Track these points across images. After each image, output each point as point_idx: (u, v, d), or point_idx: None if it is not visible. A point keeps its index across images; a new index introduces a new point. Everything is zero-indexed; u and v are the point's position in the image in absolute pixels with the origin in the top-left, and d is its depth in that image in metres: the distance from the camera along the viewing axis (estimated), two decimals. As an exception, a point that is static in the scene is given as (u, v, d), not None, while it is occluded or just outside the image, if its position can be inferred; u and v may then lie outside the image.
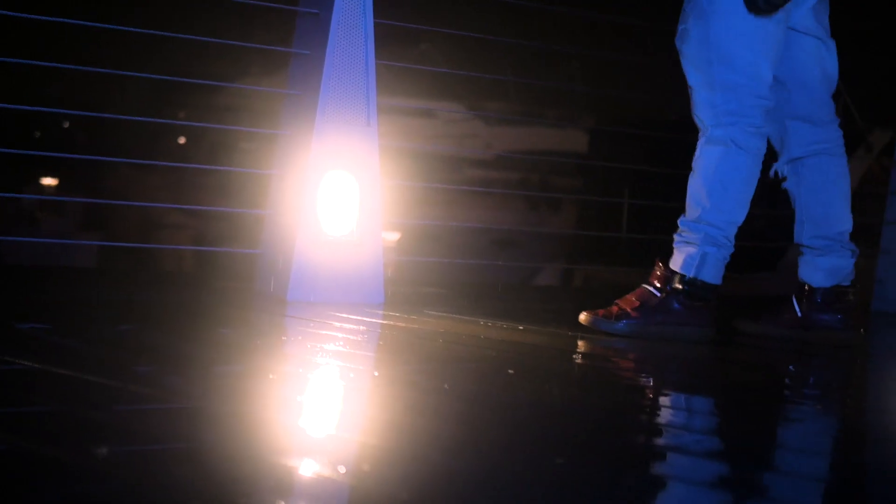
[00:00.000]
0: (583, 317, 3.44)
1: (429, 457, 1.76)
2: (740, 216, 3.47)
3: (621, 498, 1.62)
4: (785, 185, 3.69)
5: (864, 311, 4.94)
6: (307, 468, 1.61)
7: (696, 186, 3.45)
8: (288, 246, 3.76)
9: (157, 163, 6.72)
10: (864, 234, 5.15)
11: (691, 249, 3.44)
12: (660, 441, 2.07)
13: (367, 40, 3.75)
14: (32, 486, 1.45)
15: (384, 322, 3.45)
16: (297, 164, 3.79)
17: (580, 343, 3.29)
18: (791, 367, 3.39)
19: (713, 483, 1.77)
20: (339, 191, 3.77)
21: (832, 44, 3.62)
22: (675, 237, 3.49)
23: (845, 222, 3.66)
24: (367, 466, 1.67)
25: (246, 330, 3.24)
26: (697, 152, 3.46)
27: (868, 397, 2.89)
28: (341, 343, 2.97)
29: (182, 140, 10.84)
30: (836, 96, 3.67)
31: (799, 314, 3.66)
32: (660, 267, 3.47)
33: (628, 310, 3.42)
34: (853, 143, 8.37)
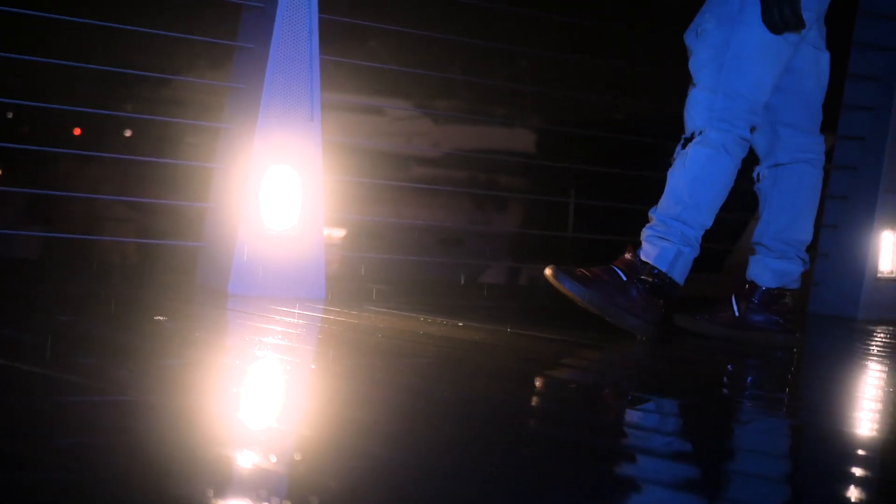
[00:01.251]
0: (548, 270, 3.42)
1: (367, 449, 1.77)
2: (711, 220, 3.52)
3: (556, 491, 1.63)
4: (758, 185, 3.74)
5: (801, 314, 5.00)
6: (244, 459, 1.62)
7: (680, 183, 3.47)
8: (230, 239, 3.75)
9: (97, 154, 6.67)
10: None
11: (667, 244, 3.46)
12: (599, 438, 2.09)
13: (311, 35, 3.76)
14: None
15: (324, 316, 3.46)
16: (239, 158, 3.79)
17: (519, 340, 3.31)
18: (730, 367, 3.43)
19: (651, 480, 1.79)
20: (282, 185, 3.77)
21: (827, 55, 3.68)
22: (647, 230, 3.49)
23: (807, 233, 3.73)
24: (303, 457, 1.68)
25: (187, 322, 3.24)
26: (686, 150, 3.48)
27: (806, 398, 2.93)
28: (280, 336, 2.97)
29: (128, 133, 10.77)
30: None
31: (737, 314, 3.70)
32: (631, 253, 3.48)
33: (592, 280, 3.42)
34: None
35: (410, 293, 4.48)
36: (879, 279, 5.03)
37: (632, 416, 2.41)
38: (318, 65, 3.77)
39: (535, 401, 2.42)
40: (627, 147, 6.40)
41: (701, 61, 3.49)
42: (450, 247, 10.28)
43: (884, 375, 3.38)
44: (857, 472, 1.96)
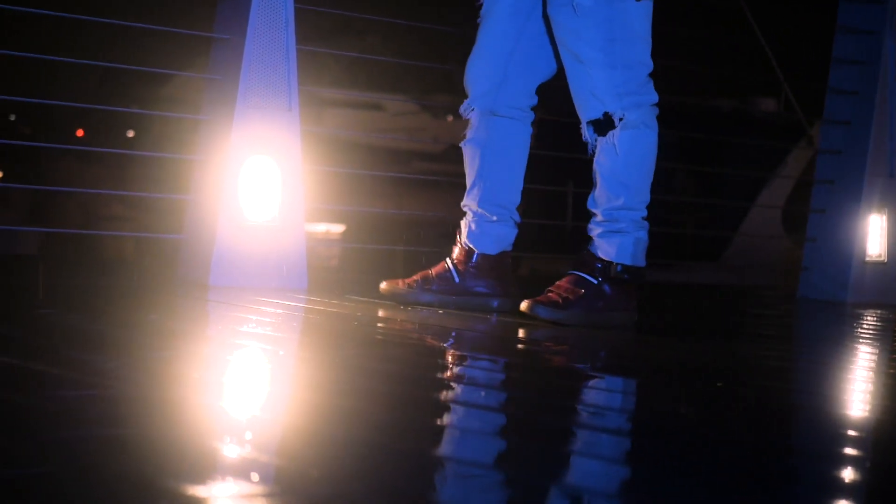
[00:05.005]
0: (524, 305, 3.37)
1: (354, 436, 1.77)
2: (649, 195, 3.48)
3: (544, 470, 1.63)
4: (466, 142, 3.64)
5: (792, 299, 5.01)
6: (231, 450, 1.62)
7: (615, 172, 3.40)
8: (209, 231, 3.76)
9: (76, 147, 6.71)
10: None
11: (622, 238, 3.41)
12: (585, 421, 2.09)
13: (287, 25, 3.75)
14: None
15: (305, 306, 3.46)
16: (218, 149, 3.80)
17: (496, 327, 3.31)
18: (713, 347, 3.41)
19: (619, 459, 1.79)
20: (261, 176, 3.77)
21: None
22: (597, 226, 3.43)
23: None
24: (291, 446, 1.68)
25: (167, 315, 3.24)
26: (609, 139, 3.39)
27: (796, 380, 2.91)
28: (259, 326, 2.98)
29: (131, 133, 10.82)
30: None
31: (458, 280, 3.64)
32: (589, 254, 3.45)
33: (570, 298, 3.37)
34: (796, 135, 8.42)
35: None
36: (867, 263, 5.03)
37: (614, 399, 2.40)
38: (295, 55, 3.77)
39: (515, 385, 2.43)
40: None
41: (588, 39, 3.36)
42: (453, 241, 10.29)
43: (874, 358, 3.37)
44: (849, 452, 1.95)
